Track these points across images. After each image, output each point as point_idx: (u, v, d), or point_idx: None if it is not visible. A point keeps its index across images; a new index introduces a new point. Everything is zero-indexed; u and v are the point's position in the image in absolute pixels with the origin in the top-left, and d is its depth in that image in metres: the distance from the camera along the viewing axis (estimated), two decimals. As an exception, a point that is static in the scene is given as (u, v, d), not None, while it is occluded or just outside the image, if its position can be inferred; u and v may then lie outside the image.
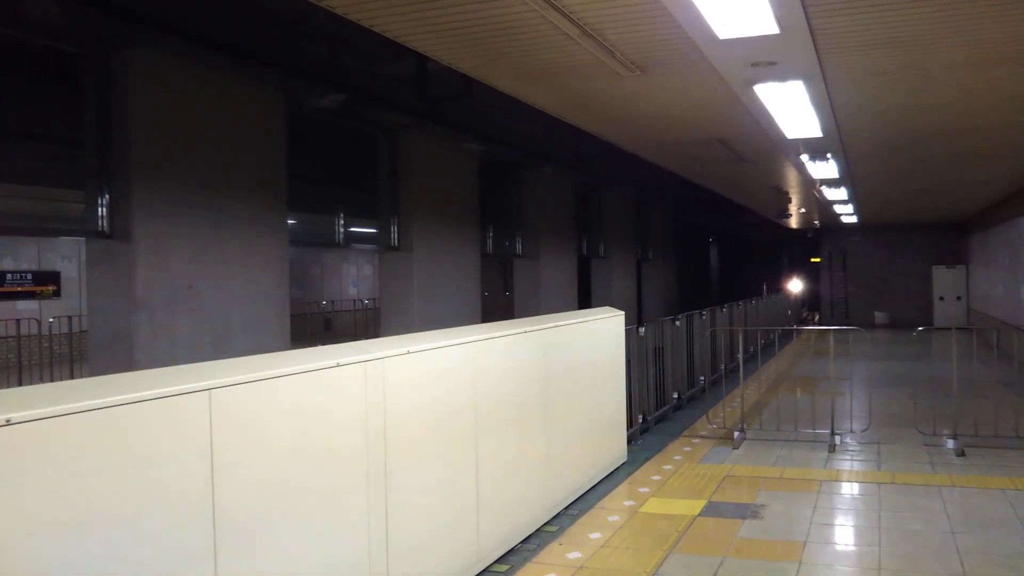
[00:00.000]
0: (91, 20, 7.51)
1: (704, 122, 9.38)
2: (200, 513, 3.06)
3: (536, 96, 7.87)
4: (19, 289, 17.93)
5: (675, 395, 10.68)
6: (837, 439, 8.63)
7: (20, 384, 13.37)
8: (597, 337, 7.49)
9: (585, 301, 20.32)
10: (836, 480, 7.35)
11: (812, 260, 34.61)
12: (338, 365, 3.87)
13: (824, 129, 9.18)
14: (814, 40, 5.72)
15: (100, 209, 8.02)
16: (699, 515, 6.31)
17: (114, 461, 2.75)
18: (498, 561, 5.33)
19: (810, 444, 8.68)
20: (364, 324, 23.21)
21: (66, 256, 19.10)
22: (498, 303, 23.19)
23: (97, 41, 7.86)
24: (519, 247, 16.95)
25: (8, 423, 2.43)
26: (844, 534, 5.98)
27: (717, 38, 5.52)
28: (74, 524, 2.60)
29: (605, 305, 9.19)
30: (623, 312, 8.22)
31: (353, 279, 28.38)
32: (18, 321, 14.64)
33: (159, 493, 2.90)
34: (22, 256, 18.19)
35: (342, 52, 10.07)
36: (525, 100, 8.00)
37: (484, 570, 5.17)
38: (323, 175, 11.71)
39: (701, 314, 12.37)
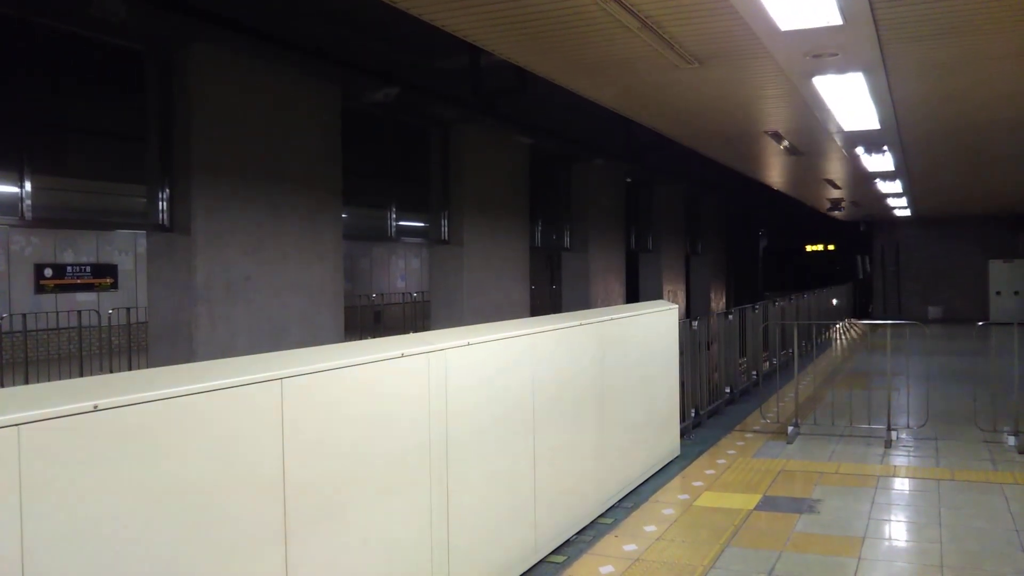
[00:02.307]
0: (156, 18, 7.67)
1: (759, 114, 9.30)
2: (272, 495, 3.14)
3: (592, 88, 7.87)
4: (79, 281, 18.38)
5: (727, 389, 10.62)
6: (893, 435, 8.51)
7: (81, 375, 13.72)
8: (651, 330, 7.47)
9: (632, 295, 20.25)
10: (893, 476, 7.25)
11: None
12: (403, 356, 3.93)
13: (882, 121, 9.05)
14: (877, 30, 5.64)
15: (161, 203, 8.21)
16: (755, 509, 6.27)
17: (193, 445, 2.83)
18: (555, 552, 5.35)
19: (865, 440, 8.57)
20: (413, 317, 23.37)
21: (122, 249, 19.53)
22: (544, 296, 23.18)
23: (160, 38, 8.03)
24: (567, 240, 16.93)
25: (96, 409, 2.52)
26: (904, 530, 5.91)
27: (778, 29, 5.47)
28: (155, 504, 2.69)
29: (652, 299, 9.16)
30: (677, 305, 8.19)
31: (401, 272, 28.55)
32: (79, 313, 14.98)
33: (234, 476, 2.98)
34: (81, 249, 18.63)
35: (396, 47, 10.16)
36: (580, 92, 7.99)
37: (541, 560, 5.20)
38: (375, 169, 11.82)
39: (754, 308, 12.27)
